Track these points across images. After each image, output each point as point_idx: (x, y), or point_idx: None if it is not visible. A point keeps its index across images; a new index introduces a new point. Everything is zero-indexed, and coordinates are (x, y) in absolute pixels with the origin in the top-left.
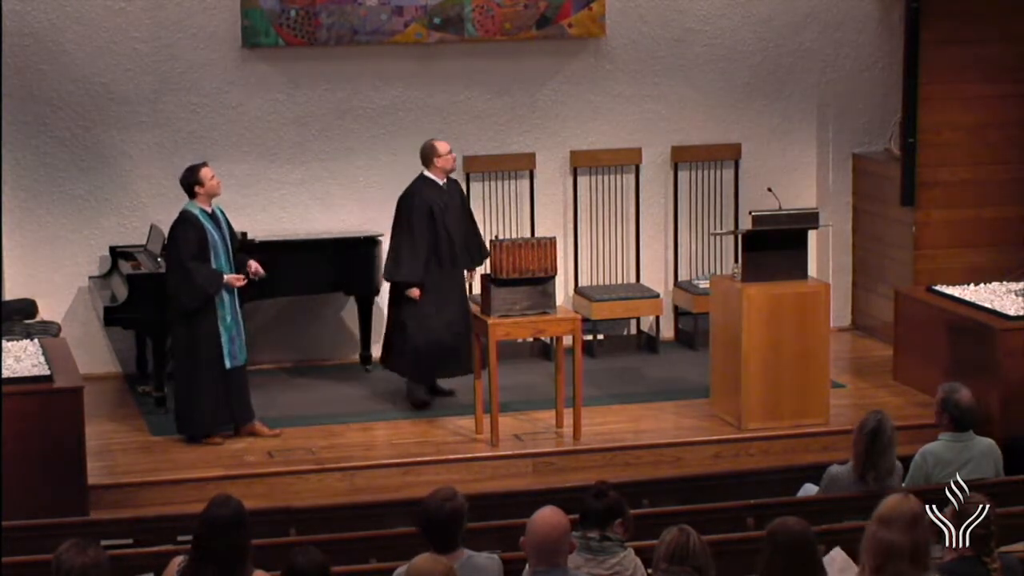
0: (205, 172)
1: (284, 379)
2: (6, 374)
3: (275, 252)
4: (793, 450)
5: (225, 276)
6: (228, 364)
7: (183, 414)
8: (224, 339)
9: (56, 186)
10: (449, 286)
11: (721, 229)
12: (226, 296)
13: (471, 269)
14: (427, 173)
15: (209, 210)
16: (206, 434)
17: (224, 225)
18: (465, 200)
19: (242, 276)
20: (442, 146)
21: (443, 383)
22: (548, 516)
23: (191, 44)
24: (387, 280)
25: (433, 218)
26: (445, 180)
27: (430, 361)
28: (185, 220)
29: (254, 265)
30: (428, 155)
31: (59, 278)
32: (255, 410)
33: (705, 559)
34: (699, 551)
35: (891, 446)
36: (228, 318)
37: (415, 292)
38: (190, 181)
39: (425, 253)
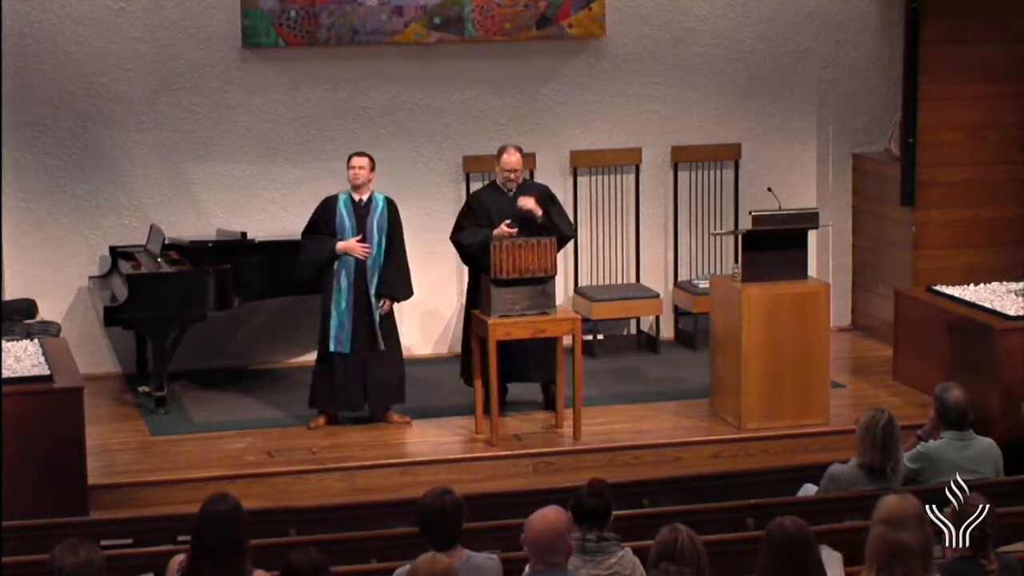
0: (351, 160)
1: (285, 379)
2: (6, 374)
3: (275, 252)
4: (793, 450)
5: (339, 244)
6: (332, 347)
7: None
8: (333, 323)
9: (56, 186)
10: None
11: (721, 229)
12: (344, 282)
13: None
14: None
15: (357, 197)
16: (319, 411)
17: (376, 215)
18: None
19: (364, 247)
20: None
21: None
22: (545, 515)
23: (191, 44)
24: None
25: None
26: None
27: None
28: (324, 200)
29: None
30: None
31: (59, 278)
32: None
33: (696, 557)
34: (688, 550)
35: (900, 438)
36: (343, 304)
37: None
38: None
39: None
